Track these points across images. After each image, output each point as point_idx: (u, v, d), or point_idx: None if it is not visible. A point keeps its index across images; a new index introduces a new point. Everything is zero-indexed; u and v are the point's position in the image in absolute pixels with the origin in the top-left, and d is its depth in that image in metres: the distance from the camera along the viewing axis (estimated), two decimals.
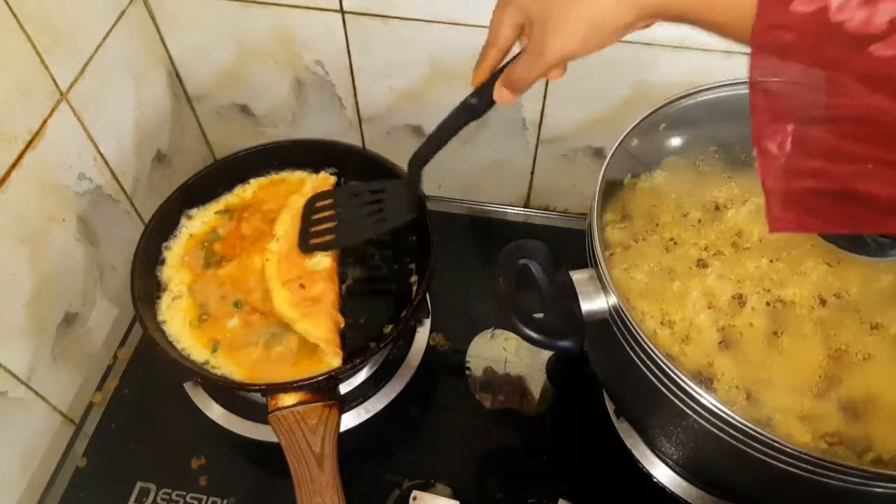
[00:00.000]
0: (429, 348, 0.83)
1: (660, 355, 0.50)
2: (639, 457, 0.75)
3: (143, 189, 0.89)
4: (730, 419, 0.48)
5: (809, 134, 0.40)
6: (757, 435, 0.47)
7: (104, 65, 0.77)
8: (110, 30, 0.78)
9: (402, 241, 0.79)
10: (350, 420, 0.77)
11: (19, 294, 0.70)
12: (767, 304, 0.58)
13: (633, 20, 0.44)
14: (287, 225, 0.77)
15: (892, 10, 0.34)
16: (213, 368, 0.69)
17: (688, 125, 0.66)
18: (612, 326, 0.55)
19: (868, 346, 0.55)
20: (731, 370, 0.55)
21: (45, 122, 0.70)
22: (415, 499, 0.69)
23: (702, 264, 0.60)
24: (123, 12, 0.81)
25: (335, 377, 0.67)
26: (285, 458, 0.65)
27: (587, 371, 0.77)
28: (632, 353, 0.53)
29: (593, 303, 0.56)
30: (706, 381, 0.55)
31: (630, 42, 0.76)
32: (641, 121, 0.63)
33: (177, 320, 0.72)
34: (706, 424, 0.50)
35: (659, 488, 0.73)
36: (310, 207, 0.77)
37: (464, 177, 1.00)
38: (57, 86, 0.71)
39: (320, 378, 0.66)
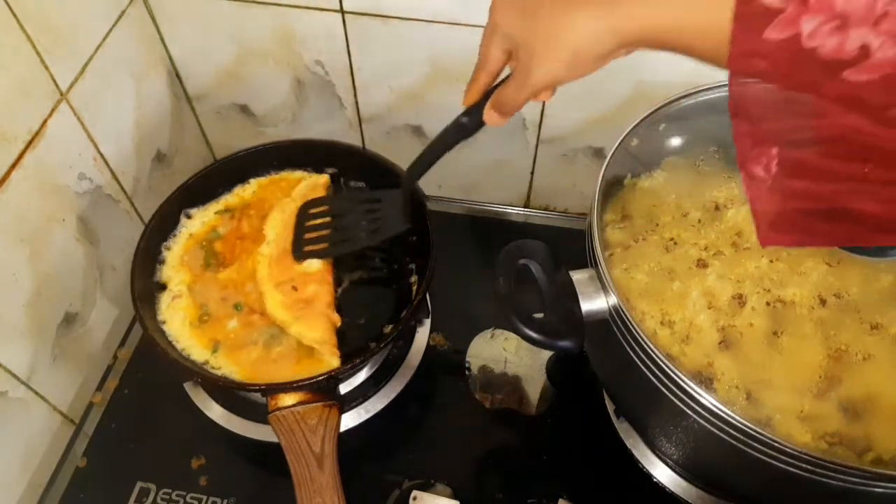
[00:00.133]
0: (429, 348, 0.83)
1: (660, 355, 0.50)
2: (639, 457, 0.75)
3: (143, 189, 0.89)
4: (730, 419, 0.48)
5: (794, 156, 0.41)
6: (757, 435, 0.47)
7: (104, 65, 0.77)
8: (110, 30, 0.79)
9: (402, 241, 0.79)
10: (350, 420, 0.77)
11: (19, 294, 0.70)
12: (767, 304, 0.58)
13: (612, 48, 0.45)
14: (278, 227, 0.77)
15: (862, 37, 0.34)
16: (213, 368, 0.69)
17: (688, 125, 0.66)
18: (612, 326, 0.55)
19: (868, 346, 0.55)
20: (731, 370, 0.55)
21: (45, 122, 0.70)
22: (415, 499, 0.69)
23: (702, 264, 0.60)
24: (123, 12, 0.81)
25: (335, 377, 0.67)
26: (285, 458, 0.65)
27: (587, 371, 0.77)
28: (632, 353, 0.53)
29: (593, 303, 0.56)
30: (706, 381, 0.55)
31: None
32: (641, 121, 0.63)
33: (177, 320, 0.72)
34: (706, 424, 0.50)
35: (659, 488, 0.73)
36: (304, 213, 0.77)
37: (464, 177, 1.00)
38: (57, 86, 0.71)
39: (320, 378, 0.66)
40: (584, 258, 0.59)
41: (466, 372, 0.82)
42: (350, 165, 0.84)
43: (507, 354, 0.84)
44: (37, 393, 0.74)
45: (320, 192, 0.81)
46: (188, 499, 0.73)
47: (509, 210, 1.01)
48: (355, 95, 0.92)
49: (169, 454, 0.76)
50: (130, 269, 0.73)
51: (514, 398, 0.81)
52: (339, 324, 0.72)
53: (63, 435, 0.79)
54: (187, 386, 0.80)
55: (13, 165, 0.66)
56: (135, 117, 0.86)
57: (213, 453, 0.76)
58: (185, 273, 0.76)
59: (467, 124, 0.57)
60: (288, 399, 0.66)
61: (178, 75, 0.93)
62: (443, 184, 1.01)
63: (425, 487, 0.72)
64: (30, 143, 0.68)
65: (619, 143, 0.62)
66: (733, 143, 0.66)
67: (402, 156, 0.82)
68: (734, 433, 0.49)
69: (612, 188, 0.67)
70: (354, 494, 0.65)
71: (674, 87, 0.64)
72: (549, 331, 0.59)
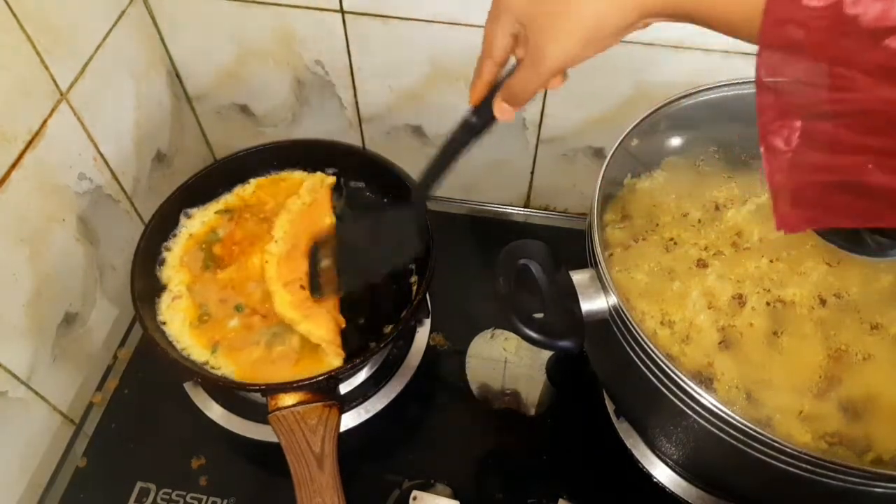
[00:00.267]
0: (429, 348, 0.83)
1: (660, 355, 0.50)
2: (639, 457, 0.75)
3: (143, 189, 0.89)
4: (730, 419, 0.48)
5: (817, 128, 0.39)
6: (757, 435, 0.47)
7: (104, 65, 0.77)
8: (110, 30, 0.78)
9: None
10: (350, 420, 0.77)
11: (19, 294, 0.70)
12: (767, 304, 0.58)
13: (634, 20, 0.43)
14: (285, 227, 0.77)
15: None
16: (213, 368, 0.69)
17: (688, 125, 0.66)
18: (612, 326, 0.55)
19: (868, 346, 0.55)
20: (731, 370, 0.55)
21: (45, 122, 0.70)
22: (415, 499, 0.69)
23: (702, 264, 0.60)
24: (123, 12, 0.81)
25: (335, 377, 0.67)
26: (285, 458, 0.65)
27: (587, 371, 0.77)
28: (632, 353, 0.53)
29: (593, 303, 0.56)
30: (706, 381, 0.55)
31: (630, 42, 0.76)
32: (641, 121, 0.63)
33: (177, 320, 0.72)
34: (706, 424, 0.50)
35: (659, 488, 0.73)
36: (316, 249, 0.75)
37: (464, 177, 1.00)
38: (57, 86, 0.71)
39: (320, 378, 0.66)
40: (584, 258, 0.59)
41: (466, 372, 0.82)
42: (350, 165, 0.84)
43: (507, 354, 0.84)
44: (37, 393, 0.74)
45: (326, 192, 0.81)
46: (188, 499, 0.73)
47: (509, 210, 1.01)
48: (355, 95, 0.92)
49: (169, 454, 0.76)
50: (130, 269, 0.73)
51: (514, 398, 0.81)
52: (343, 325, 0.72)
53: (63, 435, 0.79)
54: (187, 386, 0.80)
55: (13, 165, 0.66)
56: (135, 117, 0.86)
57: (213, 453, 0.76)
58: (184, 273, 0.76)
59: (476, 123, 0.55)
60: (288, 399, 0.66)
61: (178, 75, 0.93)
62: (443, 183, 1.01)
63: (425, 487, 0.72)
64: (30, 143, 0.68)
65: (619, 143, 0.62)
66: (734, 144, 0.67)
67: (402, 156, 0.82)
68: (734, 433, 0.49)
69: (612, 188, 0.66)
70: (354, 494, 0.65)
71: (674, 87, 0.64)
72: (549, 331, 0.58)
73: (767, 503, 0.60)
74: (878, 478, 0.46)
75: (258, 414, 0.76)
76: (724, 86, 0.63)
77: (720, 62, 0.77)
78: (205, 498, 0.73)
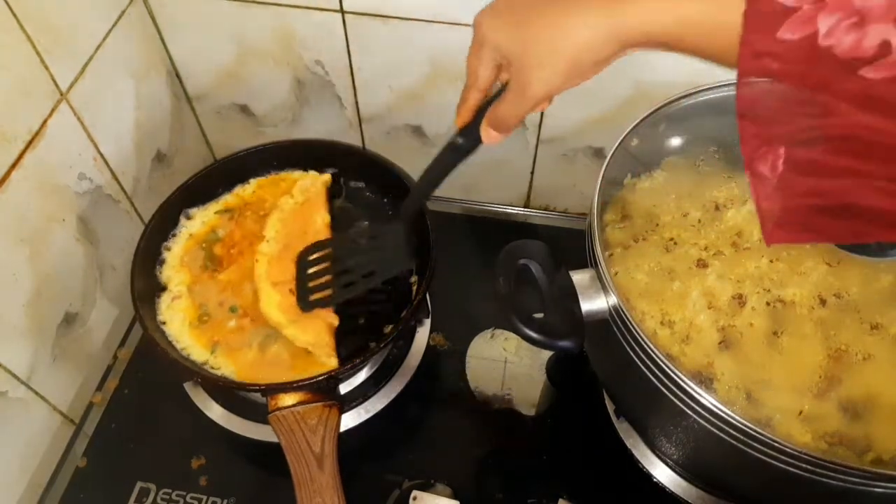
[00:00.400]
0: (429, 348, 0.83)
1: (660, 355, 0.50)
2: (639, 457, 0.75)
3: (143, 189, 0.89)
4: (730, 419, 0.48)
5: (801, 154, 0.40)
6: (757, 435, 0.47)
7: (104, 65, 0.77)
8: (110, 30, 0.78)
9: None
10: (350, 420, 0.77)
11: (19, 294, 0.70)
12: (767, 304, 0.58)
13: (613, 51, 0.43)
14: (277, 226, 0.77)
15: (882, 33, 0.34)
16: (212, 368, 0.69)
17: (688, 125, 0.66)
18: (612, 326, 0.55)
19: (868, 346, 0.55)
20: (731, 370, 0.55)
21: (45, 122, 0.70)
22: (415, 499, 0.69)
23: (702, 264, 0.60)
24: (123, 12, 0.81)
25: (335, 377, 0.67)
26: (285, 458, 0.65)
27: (587, 371, 0.77)
28: (632, 353, 0.53)
29: (593, 303, 0.56)
30: (706, 381, 0.55)
31: None
32: (641, 121, 0.63)
33: (176, 320, 0.72)
34: (706, 424, 0.50)
35: (659, 488, 0.73)
36: (304, 260, 0.74)
37: (463, 177, 0.99)
38: (57, 86, 0.71)
39: (320, 378, 0.66)
40: (584, 258, 0.59)
41: (466, 372, 0.82)
42: (350, 165, 0.84)
43: (507, 354, 0.84)
44: (37, 393, 0.74)
45: (321, 191, 0.81)
46: (188, 499, 0.73)
47: (509, 210, 1.01)
48: (355, 95, 0.92)
49: (169, 454, 0.76)
50: (130, 269, 0.73)
51: (514, 398, 0.81)
52: (336, 324, 0.72)
53: (63, 435, 0.79)
54: (187, 386, 0.80)
55: (13, 165, 0.66)
56: (135, 117, 0.86)
57: (213, 453, 0.76)
58: (184, 273, 0.76)
59: (463, 145, 0.55)
60: (288, 399, 0.66)
61: (178, 75, 0.93)
62: (442, 184, 1.01)
63: (425, 487, 0.72)
64: (30, 143, 0.68)
65: (619, 143, 0.62)
66: (734, 144, 0.66)
67: (402, 156, 0.82)
68: (734, 433, 0.49)
69: (612, 188, 0.66)
70: (354, 494, 0.65)
71: (674, 87, 0.64)
72: (549, 331, 0.58)
73: (767, 503, 0.60)
74: (878, 478, 0.46)
75: (258, 414, 0.76)
76: (724, 86, 0.63)
77: None
78: (205, 498, 0.73)
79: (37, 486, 0.76)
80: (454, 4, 0.78)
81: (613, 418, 0.77)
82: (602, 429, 0.78)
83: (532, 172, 0.98)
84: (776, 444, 0.47)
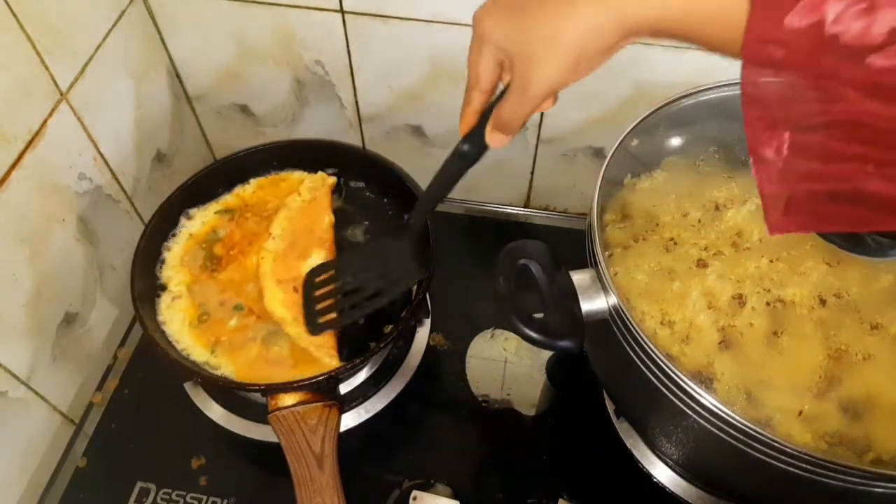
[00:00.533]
0: (429, 348, 0.83)
1: (660, 355, 0.50)
2: (639, 457, 0.75)
3: (143, 189, 0.89)
4: (730, 419, 0.48)
5: (806, 139, 0.40)
6: (757, 435, 0.47)
7: (104, 65, 0.77)
8: (110, 30, 0.78)
9: None
10: (350, 420, 0.77)
11: (19, 294, 0.70)
12: (767, 304, 0.58)
13: (616, 40, 0.42)
14: (284, 224, 0.77)
15: (890, 20, 0.34)
16: (212, 368, 0.69)
17: (688, 125, 0.66)
18: (612, 326, 0.55)
19: (868, 346, 0.55)
20: (731, 370, 0.55)
21: (45, 122, 0.70)
22: (415, 499, 0.69)
23: (702, 264, 0.60)
24: (123, 12, 0.81)
25: (335, 377, 0.67)
26: (285, 458, 0.65)
27: (587, 371, 0.77)
28: (632, 353, 0.53)
29: (593, 303, 0.56)
30: (706, 381, 0.55)
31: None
32: (641, 121, 0.63)
33: (176, 320, 0.72)
34: (706, 424, 0.50)
35: (659, 488, 0.73)
36: (311, 282, 0.72)
37: (464, 177, 1.00)
38: (57, 86, 0.71)
39: (320, 378, 0.66)
40: (584, 258, 0.59)
41: (466, 372, 0.82)
42: (350, 165, 0.84)
43: (507, 354, 0.84)
44: (37, 393, 0.74)
45: (327, 191, 0.81)
46: (188, 499, 0.73)
47: (509, 210, 1.01)
48: (355, 95, 0.92)
49: (169, 454, 0.76)
50: (130, 269, 0.73)
51: (514, 398, 0.81)
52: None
53: (63, 435, 0.79)
54: (187, 386, 0.80)
55: (13, 165, 0.66)
56: (135, 117, 0.86)
57: (213, 453, 0.76)
58: (184, 273, 0.76)
59: (469, 151, 0.54)
60: (288, 399, 0.66)
61: (178, 75, 0.93)
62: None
63: (425, 487, 0.72)
64: (30, 143, 0.68)
65: (619, 143, 0.62)
66: (734, 144, 0.67)
67: (402, 156, 0.82)
68: (734, 433, 0.49)
69: (612, 188, 0.66)
70: (354, 494, 0.65)
71: (674, 87, 0.64)
72: (549, 331, 0.58)
73: (767, 503, 0.60)
74: (878, 478, 0.46)
75: (258, 414, 0.76)
76: (724, 86, 0.63)
77: (720, 62, 0.76)
78: (205, 498, 0.73)
79: (37, 486, 0.76)
80: (454, 4, 0.78)
81: (613, 418, 0.77)
82: (602, 429, 0.78)
83: (532, 172, 0.98)
84: (776, 444, 0.47)
